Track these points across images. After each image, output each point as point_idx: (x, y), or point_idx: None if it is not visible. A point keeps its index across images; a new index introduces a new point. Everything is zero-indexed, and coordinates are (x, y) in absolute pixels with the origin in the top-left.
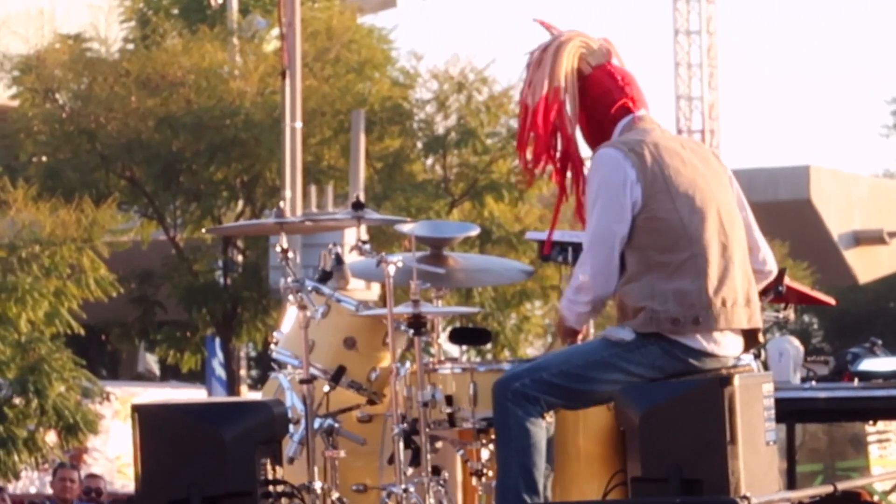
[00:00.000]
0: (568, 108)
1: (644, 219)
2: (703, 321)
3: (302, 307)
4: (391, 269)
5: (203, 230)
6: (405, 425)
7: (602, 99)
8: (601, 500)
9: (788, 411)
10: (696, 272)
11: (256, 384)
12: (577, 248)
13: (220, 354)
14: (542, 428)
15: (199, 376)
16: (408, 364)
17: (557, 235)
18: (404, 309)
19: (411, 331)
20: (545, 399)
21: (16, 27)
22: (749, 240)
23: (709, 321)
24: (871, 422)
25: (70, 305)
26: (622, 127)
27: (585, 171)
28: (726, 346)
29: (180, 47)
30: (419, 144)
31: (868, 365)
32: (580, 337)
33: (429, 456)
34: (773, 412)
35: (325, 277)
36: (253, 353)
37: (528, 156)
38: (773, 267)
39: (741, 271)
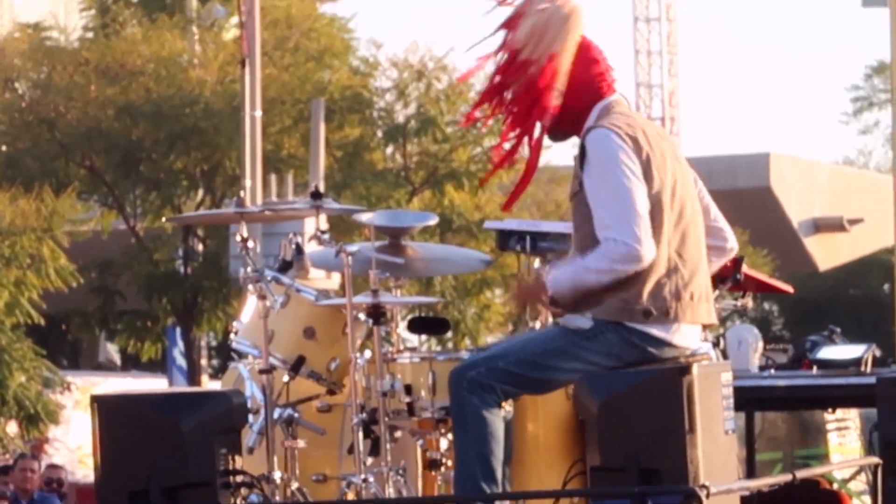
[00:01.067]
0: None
1: None
2: (671, 314)
3: (262, 297)
4: (350, 259)
5: (163, 219)
6: (364, 415)
7: (588, 72)
8: (560, 489)
9: (747, 399)
10: (672, 264)
11: (217, 373)
12: (536, 236)
13: (180, 344)
14: (498, 416)
15: (159, 366)
16: (367, 354)
17: (515, 224)
18: (364, 299)
19: (370, 320)
20: (501, 387)
21: None
22: (709, 219)
23: (677, 314)
24: (830, 410)
25: (30, 295)
26: (602, 108)
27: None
28: (686, 337)
29: (140, 36)
30: (379, 133)
31: (827, 353)
32: (539, 321)
33: (388, 446)
34: (731, 401)
35: (284, 267)
36: (213, 343)
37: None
38: (734, 245)
39: (706, 267)
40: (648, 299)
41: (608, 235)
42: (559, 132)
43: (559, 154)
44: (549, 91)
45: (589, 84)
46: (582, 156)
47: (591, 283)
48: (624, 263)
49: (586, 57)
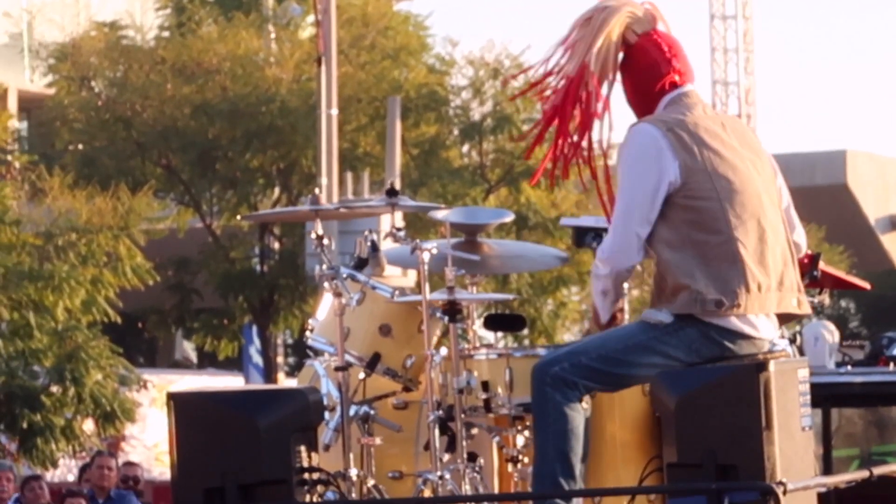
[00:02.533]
0: (598, 84)
1: (683, 197)
2: (743, 305)
3: (337, 294)
4: (426, 256)
5: (239, 217)
6: (441, 412)
7: (649, 71)
8: (636, 485)
9: (824, 396)
10: (734, 255)
11: (293, 371)
12: None
13: (256, 342)
14: (580, 413)
15: (236, 364)
16: (443, 351)
17: (592, 221)
18: (439, 296)
19: (446, 317)
20: (583, 383)
21: (52, 15)
22: (787, 218)
23: (749, 306)
24: None
25: (107, 293)
26: (667, 101)
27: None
28: (762, 329)
29: (216, 34)
30: (455, 131)
31: None
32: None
33: (464, 442)
34: (808, 397)
35: (360, 264)
36: (290, 341)
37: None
38: (803, 247)
39: (779, 255)
40: (717, 291)
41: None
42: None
43: None
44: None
45: (645, 85)
46: None
47: (593, 290)
48: (597, 268)
49: (643, 60)
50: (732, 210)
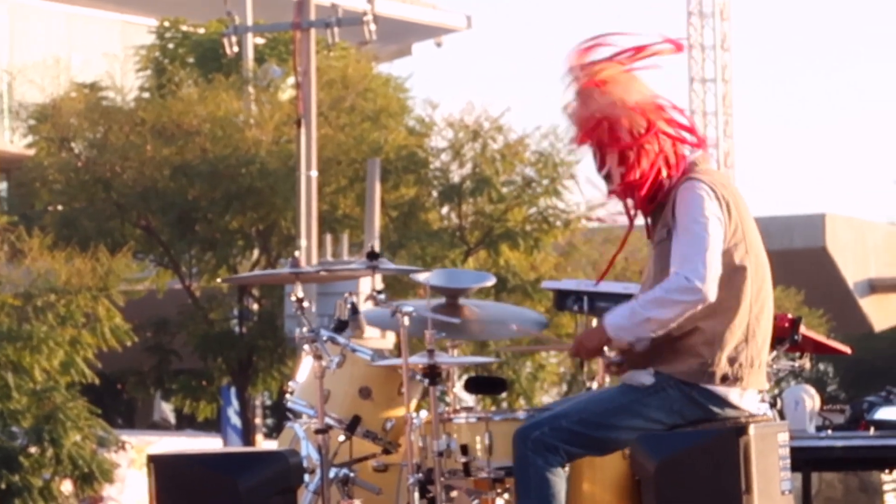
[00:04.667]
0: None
1: (723, 263)
2: (743, 380)
3: (317, 357)
4: (406, 319)
5: (219, 279)
6: (420, 475)
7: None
8: None
9: (804, 460)
10: (751, 332)
11: (272, 433)
12: (593, 296)
13: (235, 403)
14: (561, 478)
15: (214, 425)
16: (423, 414)
17: (573, 284)
18: (419, 359)
19: (426, 380)
20: (565, 448)
21: (32, 76)
22: None
23: (747, 381)
24: (887, 470)
25: (85, 354)
26: (688, 165)
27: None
28: (748, 401)
29: (196, 96)
30: (434, 193)
31: (884, 413)
32: (596, 381)
33: None
34: (788, 461)
35: (340, 327)
36: (268, 402)
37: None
38: None
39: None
40: (726, 363)
41: (673, 270)
42: (653, 202)
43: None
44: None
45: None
46: (673, 205)
47: (651, 318)
48: (682, 294)
49: (673, 119)
50: (755, 285)
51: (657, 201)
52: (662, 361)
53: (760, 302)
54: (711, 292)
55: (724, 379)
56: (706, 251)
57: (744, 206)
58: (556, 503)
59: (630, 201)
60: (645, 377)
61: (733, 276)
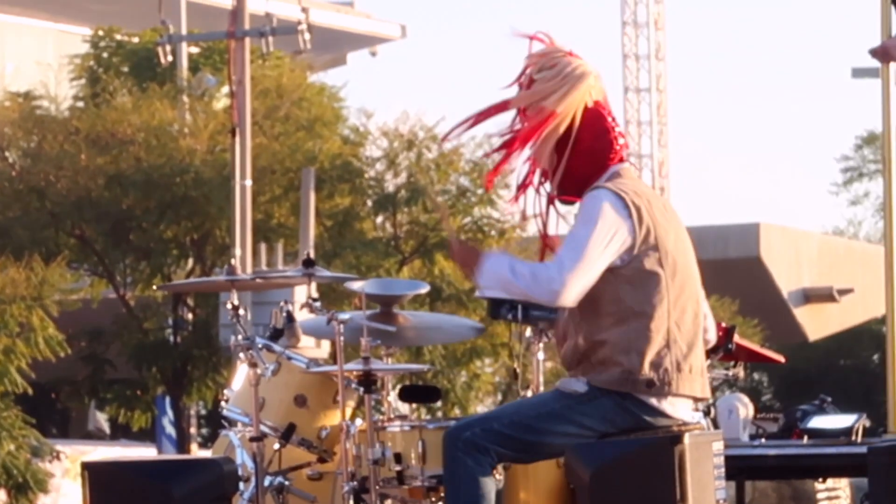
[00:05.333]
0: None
1: (632, 269)
2: (672, 386)
3: (252, 365)
4: (341, 327)
5: (154, 287)
6: (355, 483)
7: (599, 139)
8: None
9: (738, 468)
10: (672, 336)
11: (207, 442)
12: (527, 305)
13: (170, 413)
14: (492, 480)
15: (149, 434)
16: (358, 422)
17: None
18: (354, 366)
19: (361, 388)
20: (495, 449)
21: None
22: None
23: (677, 386)
24: (820, 479)
25: (19, 364)
26: (611, 173)
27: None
28: (680, 409)
29: (130, 105)
30: (369, 202)
31: (818, 422)
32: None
33: None
34: (723, 470)
35: (275, 335)
36: (203, 412)
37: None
38: (712, 336)
39: (702, 343)
40: (650, 370)
41: (556, 258)
42: (564, 196)
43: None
44: (540, 142)
45: (598, 152)
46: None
47: (511, 288)
48: (541, 290)
49: (597, 125)
50: (672, 292)
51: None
52: (590, 371)
53: (680, 307)
54: (568, 298)
55: (650, 385)
56: (581, 260)
57: (662, 212)
58: (487, 503)
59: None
60: (578, 385)
61: (645, 281)
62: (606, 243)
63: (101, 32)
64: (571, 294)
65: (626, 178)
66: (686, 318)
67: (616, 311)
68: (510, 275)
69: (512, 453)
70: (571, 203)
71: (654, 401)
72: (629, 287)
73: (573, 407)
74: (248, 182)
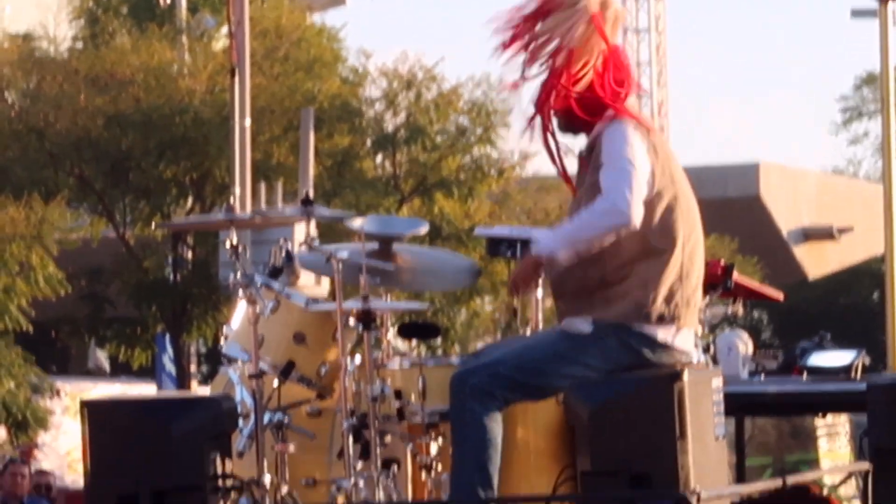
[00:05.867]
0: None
1: (653, 203)
2: (679, 320)
3: (252, 302)
4: (340, 265)
5: (154, 225)
6: (354, 420)
7: (617, 74)
8: (550, 494)
9: (738, 405)
10: (685, 271)
11: (206, 380)
12: (525, 243)
13: (170, 350)
14: (498, 423)
15: (149, 372)
16: (357, 359)
17: (506, 231)
18: (354, 304)
19: (360, 326)
20: (502, 394)
21: None
22: None
23: (682, 321)
24: (820, 415)
25: (19, 302)
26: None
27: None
28: (685, 341)
29: (129, 46)
30: (368, 142)
31: (817, 359)
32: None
33: (378, 450)
34: (722, 406)
35: (275, 273)
36: (203, 350)
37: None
38: None
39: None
40: (662, 304)
41: (603, 192)
42: (572, 126)
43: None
44: (565, 81)
45: (611, 87)
46: (596, 147)
47: (581, 237)
48: (609, 217)
49: (613, 61)
50: (686, 227)
51: (578, 127)
52: (597, 307)
53: (692, 242)
54: (637, 216)
55: (661, 319)
56: (632, 180)
57: (670, 152)
58: (493, 448)
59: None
60: (583, 325)
61: (664, 217)
62: (642, 160)
63: None
64: (637, 208)
65: (637, 115)
66: (697, 252)
67: (637, 245)
68: (571, 232)
69: (519, 396)
70: (574, 134)
71: (660, 334)
72: (650, 221)
73: (578, 348)
74: (248, 122)
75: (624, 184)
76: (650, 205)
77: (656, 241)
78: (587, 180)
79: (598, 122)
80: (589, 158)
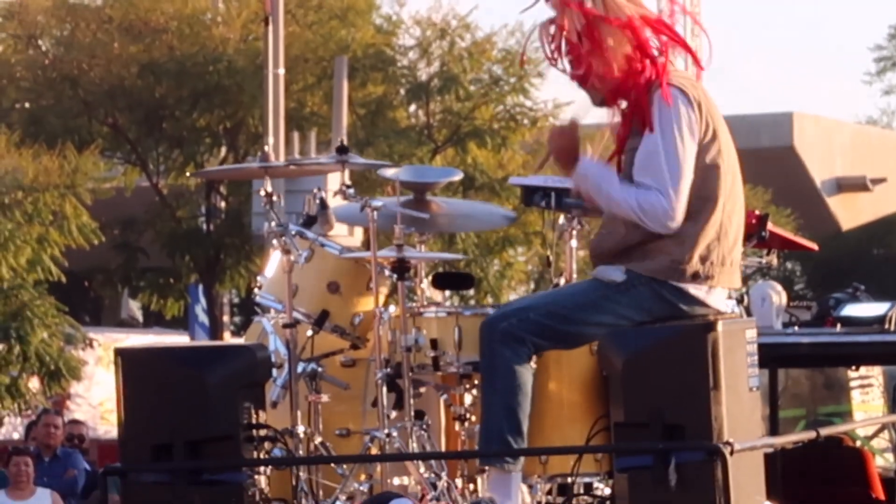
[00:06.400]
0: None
1: (697, 162)
2: (713, 279)
3: (286, 251)
4: (375, 214)
5: (188, 174)
6: (389, 369)
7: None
8: (584, 445)
9: (771, 357)
10: (724, 230)
11: (239, 331)
12: (560, 192)
13: (203, 301)
14: (528, 370)
15: (182, 323)
16: (391, 308)
17: (540, 181)
18: (388, 253)
19: (395, 275)
20: (532, 339)
21: None
22: None
23: (717, 279)
24: (853, 367)
25: (52, 252)
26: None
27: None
28: (718, 299)
29: None
30: (402, 91)
31: (851, 310)
32: (564, 278)
33: (412, 400)
34: (755, 358)
35: (309, 222)
36: (236, 300)
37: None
38: None
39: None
40: (698, 262)
41: (652, 184)
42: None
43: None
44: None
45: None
46: (642, 111)
47: (613, 208)
48: (652, 220)
49: (651, 23)
50: (727, 185)
51: (624, 95)
52: (633, 259)
53: (733, 199)
54: (677, 223)
55: (695, 277)
56: (684, 179)
57: (713, 105)
58: (523, 394)
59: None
60: (616, 273)
61: (707, 174)
62: (690, 147)
63: None
64: (680, 217)
65: (680, 73)
66: (737, 209)
67: None
68: (616, 194)
69: (549, 343)
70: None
71: (693, 290)
72: (692, 182)
73: (610, 296)
74: (281, 71)
75: (676, 185)
76: (696, 167)
77: (697, 199)
78: (628, 144)
79: (637, 84)
80: (632, 119)
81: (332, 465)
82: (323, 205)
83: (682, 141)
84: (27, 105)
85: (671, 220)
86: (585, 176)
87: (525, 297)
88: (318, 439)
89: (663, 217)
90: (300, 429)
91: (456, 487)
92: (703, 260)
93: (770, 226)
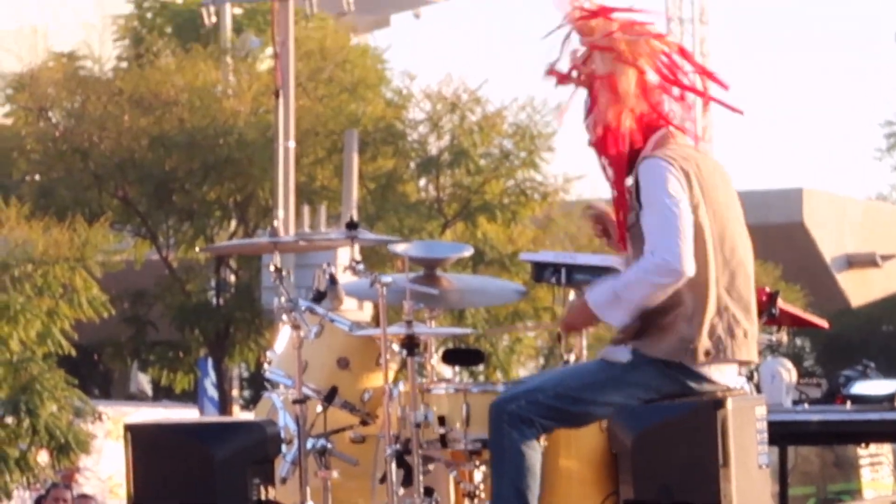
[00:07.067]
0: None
1: None
2: (724, 354)
3: (295, 327)
4: (384, 290)
5: (198, 248)
6: (398, 446)
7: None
8: None
9: (781, 434)
10: (722, 304)
11: (248, 405)
12: (571, 268)
13: (212, 374)
14: (537, 451)
15: (191, 396)
16: (401, 385)
17: (551, 257)
18: (398, 329)
19: (404, 351)
20: (540, 421)
21: (9, 45)
22: None
23: (728, 353)
24: (863, 445)
25: (62, 325)
26: (658, 137)
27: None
28: (726, 375)
29: (174, 66)
30: (412, 165)
31: (861, 388)
32: (573, 354)
33: (421, 477)
34: (765, 435)
35: (318, 297)
36: (245, 374)
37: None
38: None
39: (755, 305)
40: (706, 339)
41: (647, 249)
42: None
43: (590, 188)
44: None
45: (648, 116)
46: (637, 186)
47: (634, 299)
48: (661, 276)
49: (647, 88)
50: (724, 254)
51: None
52: (642, 341)
53: (730, 273)
54: (689, 268)
55: (707, 354)
56: (678, 228)
57: (711, 176)
58: (532, 476)
59: (605, 159)
60: (623, 354)
61: (696, 250)
62: (685, 206)
63: None
64: (688, 259)
65: (674, 141)
66: (738, 282)
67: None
68: (622, 292)
69: (557, 424)
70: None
71: (702, 368)
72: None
73: (618, 376)
74: (292, 144)
75: (670, 234)
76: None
77: (695, 276)
78: (630, 220)
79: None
80: (632, 195)
81: None
82: (332, 280)
83: (673, 199)
84: (37, 177)
85: (678, 261)
86: (596, 303)
87: (533, 377)
88: None
89: (668, 270)
90: None
91: None
92: (711, 335)
93: (780, 303)
